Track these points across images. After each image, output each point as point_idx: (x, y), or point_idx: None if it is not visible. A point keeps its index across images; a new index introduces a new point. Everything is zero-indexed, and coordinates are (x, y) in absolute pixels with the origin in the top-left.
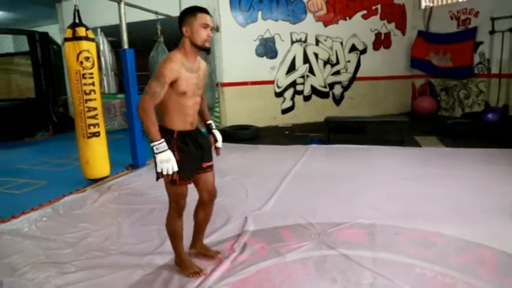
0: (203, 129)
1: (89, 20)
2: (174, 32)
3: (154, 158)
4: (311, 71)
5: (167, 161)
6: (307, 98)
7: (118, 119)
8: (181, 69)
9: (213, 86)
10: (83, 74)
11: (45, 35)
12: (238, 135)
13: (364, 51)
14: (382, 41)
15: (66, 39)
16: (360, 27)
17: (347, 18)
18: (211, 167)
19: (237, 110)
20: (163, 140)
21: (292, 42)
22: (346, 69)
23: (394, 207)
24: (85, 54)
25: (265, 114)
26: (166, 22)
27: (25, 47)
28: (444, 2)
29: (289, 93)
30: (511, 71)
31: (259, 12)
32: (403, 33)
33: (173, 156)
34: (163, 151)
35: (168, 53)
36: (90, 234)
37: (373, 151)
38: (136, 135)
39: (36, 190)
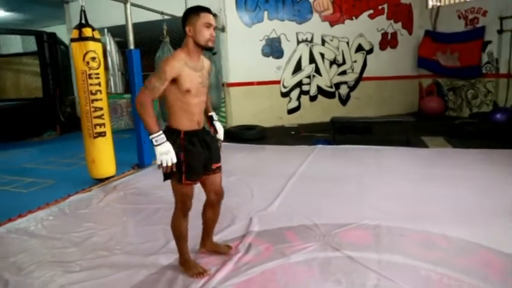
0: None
1: (96, 20)
2: (180, 32)
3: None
4: (317, 71)
5: (166, 153)
6: (313, 98)
7: (124, 119)
8: (183, 67)
9: (219, 86)
10: (89, 74)
11: (52, 35)
12: (244, 135)
13: (370, 51)
14: (388, 41)
15: (72, 40)
16: (366, 27)
17: (353, 18)
18: (219, 168)
19: (243, 110)
20: (161, 132)
21: (298, 42)
22: (353, 69)
23: (400, 208)
24: (91, 54)
25: (271, 114)
26: (172, 22)
27: (33, 47)
28: (452, 1)
29: (295, 93)
30: None
31: (265, 12)
32: (410, 33)
33: (173, 149)
34: (162, 143)
35: (173, 52)
36: (96, 234)
37: (380, 152)
38: (142, 135)
39: (43, 189)
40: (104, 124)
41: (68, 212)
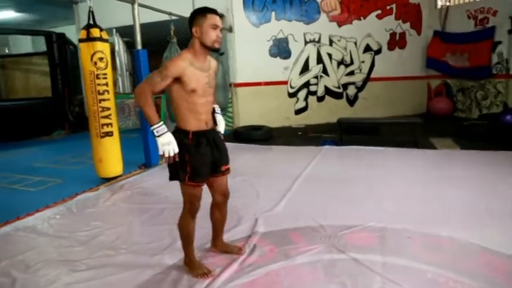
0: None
1: (104, 20)
2: (187, 33)
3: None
4: (325, 71)
5: (168, 144)
6: (320, 99)
7: (132, 119)
8: (188, 66)
9: (226, 86)
10: (97, 75)
11: (62, 35)
12: (251, 135)
13: (378, 52)
14: (397, 41)
15: (80, 40)
16: (374, 27)
17: (361, 18)
18: (228, 169)
19: (250, 110)
20: (162, 122)
21: (306, 43)
22: (360, 70)
23: (407, 210)
24: (99, 55)
25: (278, 114)
26: (180, 23)
27: (43, 47)
28: (461, 1)
29: (302, 94)
30: None
31: (273, 13)
32: (419, 33)
33: (174, 139)
34: (163, 134)
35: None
36: (102, 233)
37: (387, 153)
38: (148, 135)
39: (51, 188)
40: (111, 124)
41: (75, 211)
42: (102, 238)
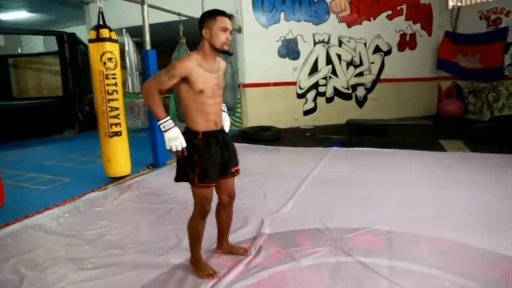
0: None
1: (115, 20)
2: (196, 34)
3: (177, 160)
4: (334, 72)
5: (175, 139)
6: (329, 100)
7: (141, 118)
8: (195, 67)
9: (234, 86)
10: (106, 75)
11: (73, 35)
12: (259, 136)
13: (388, 53)
14: (407, 42)
15: (90, 41)
16: (384, 28)
17: (371, 18)
18: (238, 171)
19: (258, 111)
20: (168, 117)
21: (315, 43)
22: (370, 71)
23: (415, 213)
24: (108, 55)
25: (286, 115)
26: (189, 23)
27: (54, 47)
28: (473, 2)
29: (311, 95)
30: None
31: (282, 13)
32: (429, 34)
33: (181, 133)
34: (170, 128)
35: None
36: (109, 232)
37: (396, 155)
38: (157, 135)
39: (60, 186)
40: (119, 124)
41: (83, 210)
42: (109, 237)
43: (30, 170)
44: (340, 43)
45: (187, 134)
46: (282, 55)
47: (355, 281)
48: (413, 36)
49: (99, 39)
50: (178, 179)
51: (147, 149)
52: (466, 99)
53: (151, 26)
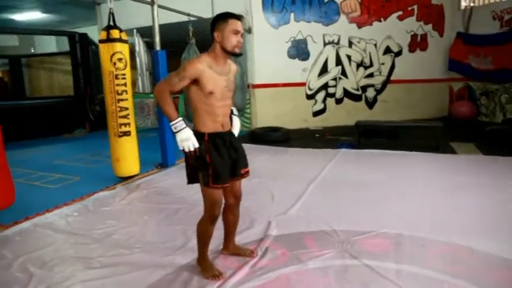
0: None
1: (125, 21)
2: (205, 34)
3: (186, 160)
4: (343, 73)
5: (187, 140)
6: (339, 101)
7: (151, 118)
8: (206, 69)
9: (244, 87)
10: (116, 75)
11: (84, 35)
12: (268, 137)
13: (399, 54)
14: (418, 43)
15: (100, 41)
16: (395, 29)
17: (381, 19)
18: (248, 172)
19: (267, 111)
20: (180, 118)
21: (325, 44)
22: (380, 72)
23: (424, 217)
24: (118, 55)
25: (296, 116)
26: (199, 24)
27: (67, 47)
28: (486, 2)
29: (320, 96)
30: None
31: (292, 14)
32: (441, 35)
33: (192, 133)
34: (182, 129)
35: (199, 55)
36: (117, 231)
37: (405, 157)
38: (166, 135)
39: (70, 185)
40: (128, 124)
41: (91, 209)
42: (117, 236)
43: (41, 168)
44: (350, 44)
45: (195, 136)
46: (291, 56)
47: (361, 285)
48: (424, 37)
49: (109, 39)
50: (190, 180)
51: (156, 149)
52: (478, 101)
53: (161, 26)
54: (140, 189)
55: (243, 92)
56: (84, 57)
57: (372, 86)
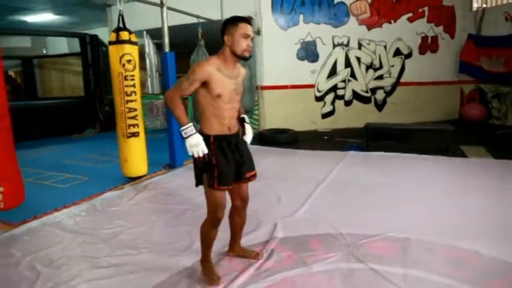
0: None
1: (136, 23)
2: (214, 35)
3: (195, 162)
4: (353, 75)
5: (196, 145)
6: (348, 103)
7: (160, 119)
8: (214, 71)
9: (252, 89)
10: (125, 76)
11: (95, 37)
12: (276, 138)
13: (409, 56)
14: (428, 45)
15: (110, 43)
16: (405, 31)
17: (392, 21)
18: (254, 175)
19: (276, 113)
20: (191, 124)
21: (334, 46)
22: (390, 74)
23: (431, 221)
24: (127, 57)
25: (304, 118)
26: (208, 26)
27: (78, 48)
28: (498, 3)
29: (329, 98)
30: None
31: (301, 16)
32: (452, 37)
33: (202, 139)
34: (192, 135)
35: (208, 57)
36: (124, 232)
37: (414, 160)
38: (174, 136)
39: (79, 185)
40: (137, 125)
41: (99, 209)
42: (124, 236)
43: (51, 168)
44: (360, 46)
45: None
46: (300, 58)
47: None
48: (435, 38)
49: (118, 41)
50: (199, 182)
51: (165, 150)
52: (490, 104)
53: (170, 28)
54: (148, 189)
55: (251, 93)
56: (95, 58)
57: (382, 88)
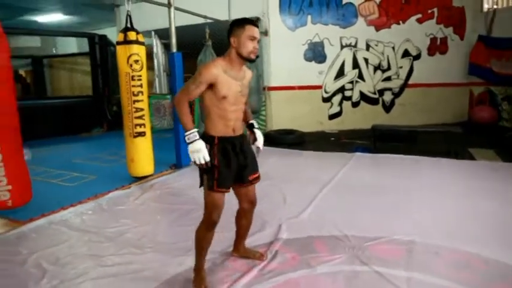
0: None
1: (144, 23)
2: (222, 36)
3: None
4: (360, 76)
5: (198, 151)
6: (355, 104)
7: (167, 119)
8: (220, 73)
9: (259, 89)
10: (132, 76)
11: (103, 37)
12: (283, 139)
13: (417, 57)
14: (437, 46)
15: (118, 43)
16: (413, 32)
17: (400, 22)
18: (257, 178)
19: (283, 114)
20: (195, 130)
21: (342, 47)
22: (398, 75)
23: (437, 224)
24: (135, 57)
25: (311, 119)
26: (215, 26)
27: (87, 48)
28: (510, 4)
29: (337, 99)
30: None
31: (309, 16)
32: (462, 38)
33: (205, 146)
34: (194, 141)
35: (215, 57)
36: (129, 230)
37: (421, 162)
38: (180, 136)
39: (86, 184)
40: (144, 124)
41: (106, 208)
42: (129, 235)
43: (59, 167)
44: (368, 47)
45: (205, 139)
46: (308, 58)
47: None
48: (444, 40)
49: (126, 41)
50: (202, 183)
51: (171, 150)
52: (500, 106)
53: (178, 28)
54: (154, 189)
55: (258, 94)
56: (103, 58)
57: (389, 89)
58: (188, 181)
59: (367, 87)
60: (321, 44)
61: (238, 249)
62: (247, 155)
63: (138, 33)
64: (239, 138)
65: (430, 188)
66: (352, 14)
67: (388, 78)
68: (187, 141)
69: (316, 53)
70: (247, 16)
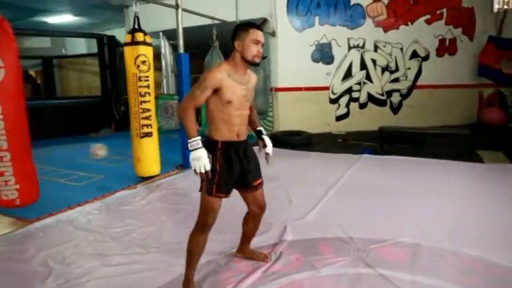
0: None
1: (152, 24)
2: (229, 37)
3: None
4: (368, 77)
5: (198, 159)
6: (363, 106)
7: (175, 119)
8: (225, 78)
9: (266, 90)
10: (139, 77)
11: (112, 38)
12: (290, 140)
13: (426, 58)
14: (446, 47)
15: (125, 44)
16: (422, 33)
17: (409, 23)
18: (261, 184)
19: (290, 115)
20: (198, 138)
21: (350, 48)
22: (406, 77)
23: (443, 227)
24: (142, 58)
25: (318, 120)
26: (223, 27)
27: (95, 49)
28: None
29: (344, 100)
30: None
31: (316, 17)
32: (471, 39)
33: (206, 155)
34: (196, 149)
35: (222, 58)
36: (135, 230)
37: (429, 165)
38: (186, 137)
39: (93, 183)
40: (150, 125)
41: (112, 207)
42: (135, 235)
43: (67, 166)
44: (376, 48)
45: (209, 143)
46: (315, 59)
47: None
48: (453, 41)
49: (133, 42)
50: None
51: (178, 150)
52: (510, 108)
53: (185, 29)
54: (160, 189)
55: (265, 95)
56: (112, 58)
57: (397, 91)
58: (194, 182)
59: (374, 88)
60: (328, 45)
61: (243, 250)
62: (250, 160)
63: (145, 34)
64: (243, 143)
65: (437, 191)
66: (360, 15)
67: (396, 80)
68: (190, 148)
69: (323, 54)
70: (254, 17)
